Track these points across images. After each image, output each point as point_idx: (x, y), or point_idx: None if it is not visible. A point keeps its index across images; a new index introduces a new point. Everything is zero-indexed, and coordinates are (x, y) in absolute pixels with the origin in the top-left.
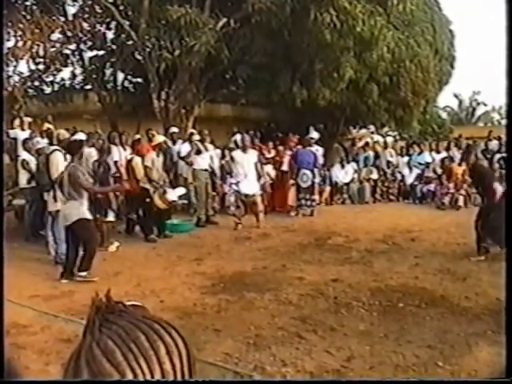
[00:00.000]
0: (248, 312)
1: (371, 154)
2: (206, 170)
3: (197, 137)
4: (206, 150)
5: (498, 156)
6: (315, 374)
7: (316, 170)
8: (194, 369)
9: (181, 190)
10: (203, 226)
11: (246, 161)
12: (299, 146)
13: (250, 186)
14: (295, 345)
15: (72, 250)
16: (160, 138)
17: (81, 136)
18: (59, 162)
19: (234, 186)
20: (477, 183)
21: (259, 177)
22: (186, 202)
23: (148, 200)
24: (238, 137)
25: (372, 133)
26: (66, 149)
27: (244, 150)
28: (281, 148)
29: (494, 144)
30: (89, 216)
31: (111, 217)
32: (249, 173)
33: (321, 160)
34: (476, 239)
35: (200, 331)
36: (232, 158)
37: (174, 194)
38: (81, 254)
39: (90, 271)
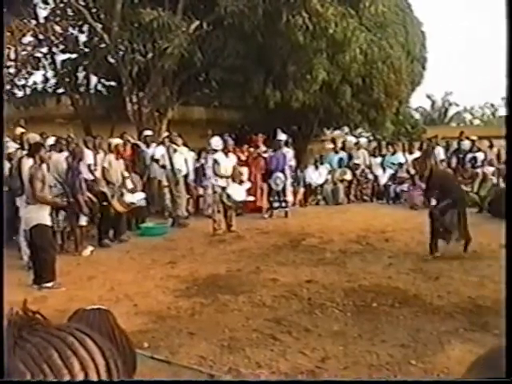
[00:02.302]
0: (222, 314)
1: (345, 154)
2: (180, 173)
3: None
4: (178, 151)
5: (469, 156)
6: (290, 375)
7: (287, 172)
8: (120, 375)
9: (139, 195)
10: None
11: (229, 164)
12: (264, 148)
13: (239, 191)
14: (269, 346)
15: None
16: (115, 141)
17: (36, 138)
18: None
19: (219, 190)
20: (437, 187)
21: (240, 181)
22: (144, 204)
23: (105, 203)
24: (214, 139)
25: (345, 134)
26: (28, 152)
27: (226, 153)
28: (252, 150)
29: (465, 144)
30: (48, 222)
31: (83, 221)
32: (232, 177)
33: (292, 162)
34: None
35: (174, 334)
36: (216, 162)
37: (132, 197)
38: (40, 264)
39: (57, 280)
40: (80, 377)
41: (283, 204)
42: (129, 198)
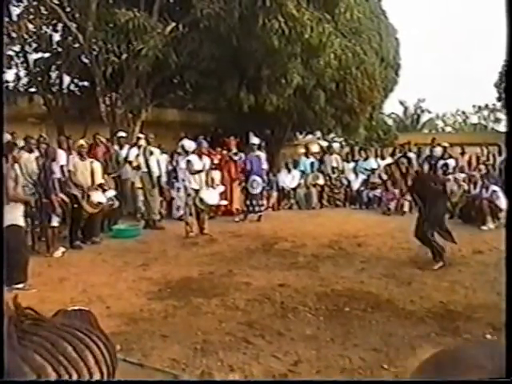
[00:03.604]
0: (195, 317)
1: (317, 159)
2: (152, 175)
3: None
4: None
5: (441, 162)
6: (262, 379)
7: (264, 176)
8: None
9: (110, 193)
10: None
11: (203, 167)
12: (236, 151)
13: (212, 195)
14: (242, 350)
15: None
16: (79, 142)
17: (7, 137)
18: None
19: (192, 193)
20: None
21: (214, 184)
22: (115, 204)
23: (76, 206)
24: (185, 142)
25: (318, 138)
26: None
27: (200, 155)
28: (224, 153)
29: (437, 151)
30: (21, 223)
31: (55, 222)
32: (206, 180)
33: (264, 165)
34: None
35: (147, 337)
36: (189, 164)
37: (100, 196)
38: (12, 264)
39: (28, 281)
40: (95, 370)
41: (258, 208)
42: (97, 197)
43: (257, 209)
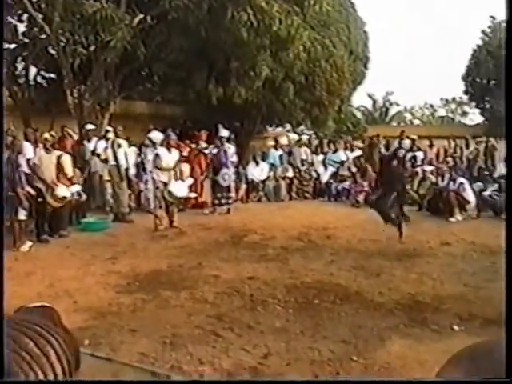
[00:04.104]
0: (164, 311)
1: (286, 152)
2: (121, 167)
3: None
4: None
5: (409, 155)
6: (232, 372)
7: (231, 168)
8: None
9: (75, 187)
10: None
11: (172, 159)
12: (205, 145)
13: (181, 187)
14: (212, 343)
15: None
16: (44, 135)
17: None
18: None
19: (161, 186)
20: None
21: (183, 177)
22: (82, 197)
23: (40, 200)
24: (153, 134)
25: (288, 131)
26: None
27: (169, 148)
28: (193, 146)
29: (406, 143)
30: None
31: (22, 215)
32: (174, 173)
33: (234, 158)
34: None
35: (115, 331)
36: (158, 156)
37: (64, 190)
38: None
39: None
40: (57, 365)
41: (228, 201)
42: (61, 191)
43: (224, 201)
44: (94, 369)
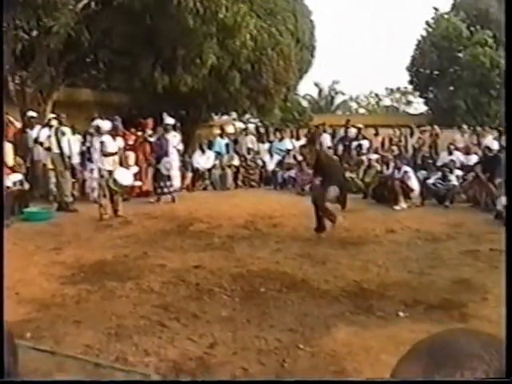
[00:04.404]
0: (109, 301)
1: (232, 140)
2: (64, 156)
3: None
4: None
5: (355, 143)
6: (178, 363)
7: (172, 157)
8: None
9: (16, 176)
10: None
11: (117, 148)
12: (151, 133)
13: (125, 175)
14: (157, 333)
15: None
16: None
17: None
18: None
19: (106, 174)
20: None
21: (128, 165)
22: (24, 187)
23: None
24: (99, 122)
25: (234, 119)
26: None
27: (114, 136)
28: (139, 133)
29: (352, 132)
30: None
31: None
32: (119, 161)
33: (179, 146)
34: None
35: (59, 323)
36: (103, 144)
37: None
38: None
39: None
40: None
41: (170, 189)
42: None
43: (166, 190)
44: (36, 362)
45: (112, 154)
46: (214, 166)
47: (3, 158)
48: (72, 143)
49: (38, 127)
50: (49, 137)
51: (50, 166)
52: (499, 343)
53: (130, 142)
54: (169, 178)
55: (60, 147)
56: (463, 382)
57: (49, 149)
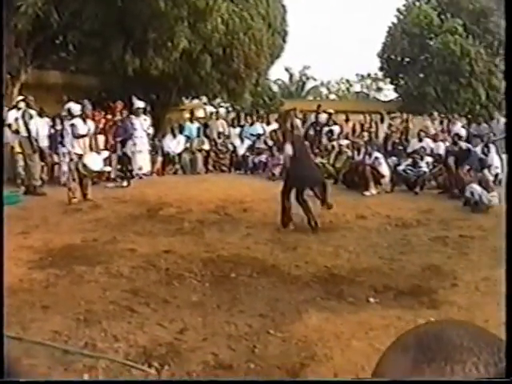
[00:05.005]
0: (78, 286)
1: (203, 124)
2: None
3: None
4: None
5: (326, 129)
6: (148, 348)
7: (146, 140)
8: None
9: None
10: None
11: (87, 131)
12: (120, 116)
13: (96, 160)
14: (127, 319)
15: None
16: None
17: None
18: None
19: (75, 158)
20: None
21: (98, 149)
22: None
23: None
24: (71, 105)
25: (204, 104)
26: None
27: (84, 119)
28: (109, 117)
29: (323, 117)
30: None
31: None
32: (89, 145)
33: (149, 130)
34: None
35: (27, 309)
36: (73, 128)
37: None
38: None
39: None
40: None
41: (131, 173)
42: None
43: (128, 174)
44: (4, 348)
45: (82, 136)
46: (184, 150)
47: (3, 159)
48: (40, 126)
49: (4, 109)
50: (16, 119)
51: (17, 149)
52: (488, 335)
53: (100, 126)
54: (130, 161)
55: (28, 130)
56: (463, 382)
57: (16, 131)
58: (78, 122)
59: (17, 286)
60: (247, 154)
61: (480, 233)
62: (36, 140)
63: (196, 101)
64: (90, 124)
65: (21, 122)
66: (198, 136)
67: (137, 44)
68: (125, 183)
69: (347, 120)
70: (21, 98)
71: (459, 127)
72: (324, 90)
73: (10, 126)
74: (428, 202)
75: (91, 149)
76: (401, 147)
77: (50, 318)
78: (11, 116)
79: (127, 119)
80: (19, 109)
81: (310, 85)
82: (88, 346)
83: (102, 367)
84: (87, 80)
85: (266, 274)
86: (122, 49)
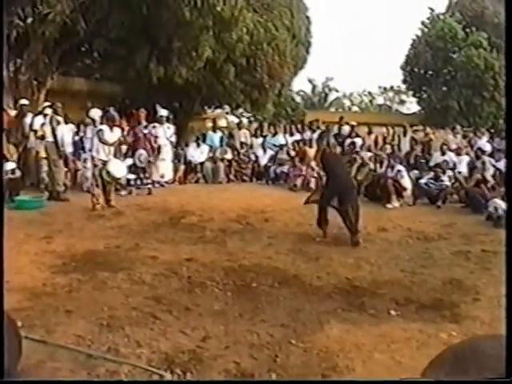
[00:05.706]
0: (100, 292)
1: (225, 134)
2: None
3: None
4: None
5: (348, 140)
6: (170, 355)
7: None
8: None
9: (10, 165)
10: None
11: (113, 138)
12: (145, 124)
13: (119, 167)
14: (150, 325)
15: None
16: None
17: None
18: None
19: (99, 164)
20: (324, 167)
21: (122, 156)
22: (16, 174)
23: None
24: (94, 111)
25: (227, 113)
26: None
27: (111, 126)
28: (135, 125)
29: (345, 129)
30: None
31: None
32: (114, 152)
33: (172, 138)
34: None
35: (50, 313)
36: (100, 133)
37: None
38: None
39: None
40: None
41: (144, 181)
42: None
43: (138, 182)
44: (28, 351)
45: (110, 145)
46: (206, 159)
47: (3, 158)
48: (65, 132)
49: (30, 115)
50: (43, 125)
51: (43, 154)
52: None
53: (125, 133)
54: (143, 170)
55: (54, 136)
56: (463, 382)
57: (42, 137)
58: (105, 128)
59: (39, 290)
60: (269, 164)
61: (503, 248)
62: (61, 146)
63: (218, 110)
64: (117, 130)
65: (48, 127)
66: (221, 145)
67: (161, 52)
68: (139, 191)
69: (370, 132)
70: (47, 104)
71: (484, 142)
72: (347, 102)
73: (35, 131)
74: (450, 216)
75: (115, 156)
76: (423, 160)
77: (73, 323)
78: (37, 122)
79: (138, 128)
80: (45, 115)
81: (332, 96)
82: (111, 351)
83: (124, 372)
84: (111, 87)
85: (288, 285)
86: (146, 57)
